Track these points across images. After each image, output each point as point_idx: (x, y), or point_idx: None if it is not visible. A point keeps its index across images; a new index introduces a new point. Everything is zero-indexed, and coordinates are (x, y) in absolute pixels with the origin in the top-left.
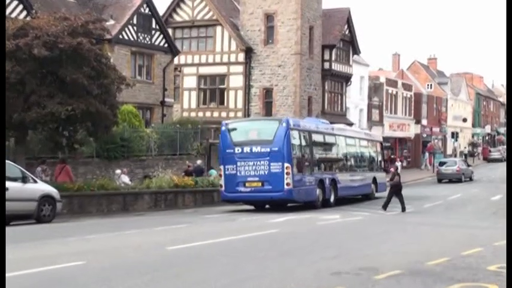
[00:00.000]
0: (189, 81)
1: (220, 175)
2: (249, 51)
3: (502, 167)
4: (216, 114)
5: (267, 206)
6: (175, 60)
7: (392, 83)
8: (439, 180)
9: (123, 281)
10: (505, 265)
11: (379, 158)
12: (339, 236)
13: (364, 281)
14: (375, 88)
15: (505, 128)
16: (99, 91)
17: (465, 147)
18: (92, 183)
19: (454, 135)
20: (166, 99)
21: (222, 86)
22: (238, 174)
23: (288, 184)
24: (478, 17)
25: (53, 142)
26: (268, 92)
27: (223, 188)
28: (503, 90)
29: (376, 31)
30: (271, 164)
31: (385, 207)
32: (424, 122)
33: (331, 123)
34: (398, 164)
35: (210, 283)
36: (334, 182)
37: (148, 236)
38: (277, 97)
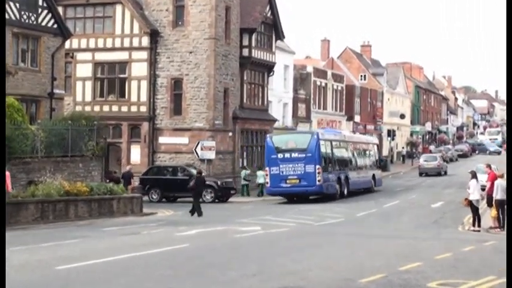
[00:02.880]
0: (84, 70)
1: (266, 175)
2: (154, 35)
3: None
4: (115, 108)
5: (295, 199)
6: (67, 44)
7: (321, 73)
8: (421, 174)
9: None
10: (446, 281)
11: (376, 158)
12: (261, 250)
13: None
14: (301, 79)
15: (448, 126)
16: None
17: (403, 148)
18: None
19: (391, 134)
20: (56, 91)
21: (122, 76)
22: (280, 173)
23: (319, 181)
24: (415, 0)
25: None
26: (177, 83)
27: (269, 185)
28: (445, 83)
29: (303, 14)
30: (306, 166)
31: (192, 212)
32: (357, 118)
33: (252, 119)
34: None
35: None
36: (347, 178)
37: (34, 253)
38: (188, 89)
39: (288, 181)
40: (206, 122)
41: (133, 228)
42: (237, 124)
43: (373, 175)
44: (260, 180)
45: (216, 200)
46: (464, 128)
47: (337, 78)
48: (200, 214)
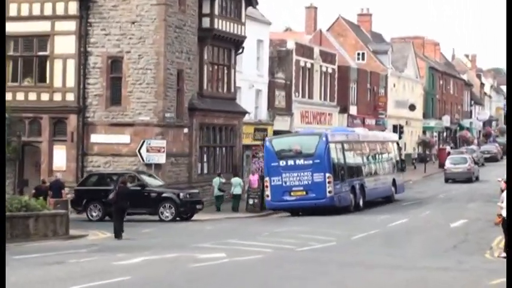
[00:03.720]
0: None
1: (267, 186)
2: (85, 0)
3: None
4: (32, 96)
5: (300, 213)
6: None
7: (305, 50)
8: (447, 180)
9: None
10: None
11: (397, 158)
12: (223, 285)
13: None
14: (279, 58)
15: (472, 120)
16: None
17: (414, 149)
18: None
19: (397, 131)
20: None
21: (42, 53)
22: (283, 184)
23: (329, 192)
24: None
25: None
26: (115, 63)
27: (269, 198)
28: (468, 63)
29: None
30: (314, 174)
31: (117, 234)
32: (353, 110)
33: (215, 110)
34: None
35: None
36: (362, 187)
37: None
38: (130, 71)
39: (292, 193)
40: (154, 115)
41: (57, 256)
42: (195, 118)
43: (394, 180)
44: (236, 191)
45: (178, 218)
46: (493, 123)
47: (327, 57)
48: (119, 236)
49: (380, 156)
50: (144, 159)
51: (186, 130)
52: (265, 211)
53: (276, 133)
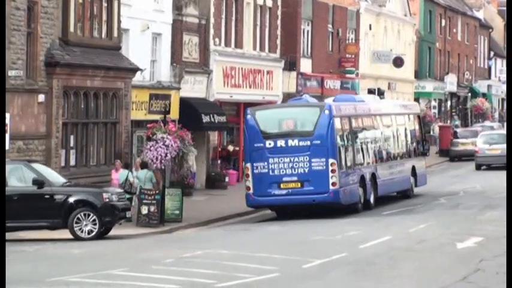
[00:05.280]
0: None
1: (247, 175)
2: None
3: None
4: None
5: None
6: None
7: None
8: (479, 167)
9: None
10: None
11: (418, 138)
12: None
13: None
14: None
15: (491, 82)
16: None
17: None
18: None
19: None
20: None
21: None
22: (270, 173)
23: (333, 184)
24: None
25: None
26: None
27: (251, 191)
28: None
29: None
30: (313, 160)
31: None
32: (306, 65)
33: (87, 66)
34: None
35: None
36: (374, 177)
37: None
38: None
39: (282, 185)
40: None
41: None
42: (55, 78)
43: (413, 168)
44: (147, 185)
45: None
46: None
47: None
48: None
49: (397, 135)
50: None
51: (41, 98)
52: (168, 224)
53: (185, 102)
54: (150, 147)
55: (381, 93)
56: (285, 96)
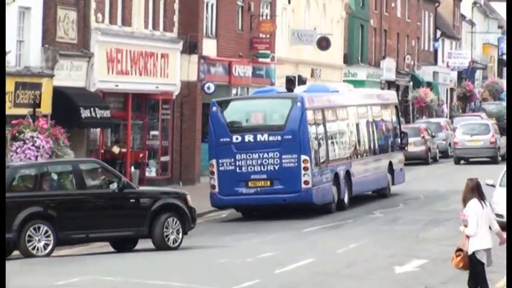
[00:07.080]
0: None
1: (212, 172)
2: None
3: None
4: None
5: (255, 213)
6: None
7: None
8: (458, 161)
9: None
10: None
11: (396, 130)
12: None
13: None
14: None
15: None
16: None
17: None
18: None
19: (295, 86)
20: None
21: None
22: (237, 170)
23: (306, 182)
24: None
25: None
26: None
27: (216, 190)
28: None
29: None
30: (284, 156)
31: None
32: (210, 48)
33: None
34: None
35: None
36: (348, 175)
37: None
38: None
39: (251, 183)
40: None
41: None
42: None
43: (390, 164)
44: None
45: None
46: (478, 73)
47: None
48: None
49: (372, 127)
50: None
51: None
52: None
53: (60, 92)
54: (17, 148)
55: (302, 82)
56: (183, 85)
